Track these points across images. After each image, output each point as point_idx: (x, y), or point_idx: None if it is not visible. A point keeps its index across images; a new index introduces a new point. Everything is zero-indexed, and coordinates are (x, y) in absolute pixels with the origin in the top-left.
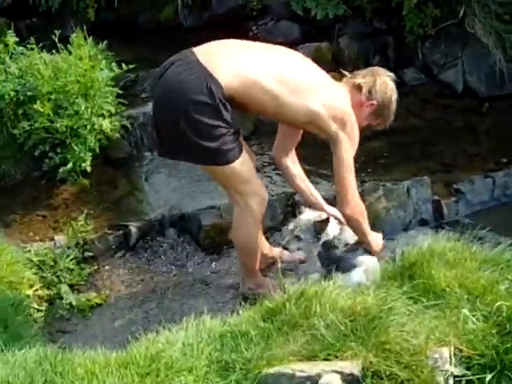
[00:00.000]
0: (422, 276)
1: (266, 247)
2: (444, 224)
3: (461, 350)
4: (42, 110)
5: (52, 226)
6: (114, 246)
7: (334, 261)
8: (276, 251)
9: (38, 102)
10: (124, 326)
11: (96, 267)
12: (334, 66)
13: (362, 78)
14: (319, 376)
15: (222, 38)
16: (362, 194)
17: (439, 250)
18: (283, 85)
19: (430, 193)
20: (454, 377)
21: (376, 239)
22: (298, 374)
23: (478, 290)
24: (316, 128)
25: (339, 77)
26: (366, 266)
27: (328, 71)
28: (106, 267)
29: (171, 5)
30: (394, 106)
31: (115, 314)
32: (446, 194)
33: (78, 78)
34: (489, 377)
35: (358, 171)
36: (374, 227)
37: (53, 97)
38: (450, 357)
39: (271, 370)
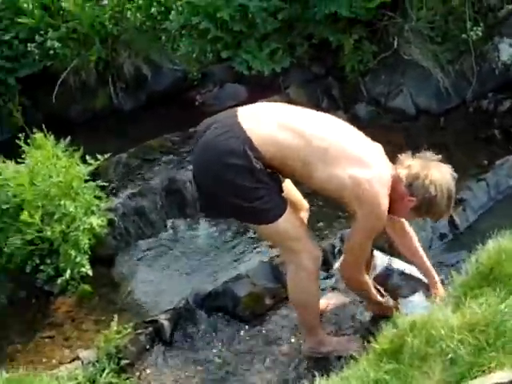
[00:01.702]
0: (507, 274)
1: None
2: (460, 233)
3: None
4: (31, 220)
5: (65, 345)
6: (148, 346)
7: (391, 290)
8: (322, 302)
9: (24, 213)
10: None
11: (138, 373)
12: None
13: (408, 168)
14: None
15: (167, 115)
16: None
17: (509, 248)
18: (318, 153)
19: None
20: None
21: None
22: None
23: None
24: (341, 201)
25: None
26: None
27: None
28: (148, 370)
29: (102, 91)
30: (442, 203)
31: None
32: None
33: (58, 179)
34: None
35: None
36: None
37: (39, 203)
38: None
39: None
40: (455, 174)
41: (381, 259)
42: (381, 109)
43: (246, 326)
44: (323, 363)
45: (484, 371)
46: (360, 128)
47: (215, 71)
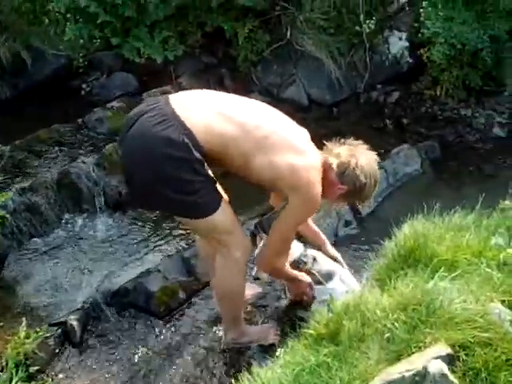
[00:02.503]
0: (427, 256)
1: None
2: (363, 219)
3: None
4: None
5: None
6: (57, 350)
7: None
8: None
9: None
10: None
11: (50, 380)
12: None
13: (337, 157)
14: (425, 368)
15: (50, 105)
16: None
17: (425, 231)
18: (253, 141)
19: None
20: None
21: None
22: (407, 374)
23: (477, 250)
24: (275, 188)
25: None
26: (341, 275)
27: None
28: (61, 375)
29: None
30: (370, 190)
31: None
32: None
33: None
34: None
35: None
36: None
37: None
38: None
39: (377, 383)
40: (378, 159)
41: (296, 247)
42: (274, 99)
43: (161, 322)
44: (246, 354)
45: (420, 347)
46: None
47: (103, 58)
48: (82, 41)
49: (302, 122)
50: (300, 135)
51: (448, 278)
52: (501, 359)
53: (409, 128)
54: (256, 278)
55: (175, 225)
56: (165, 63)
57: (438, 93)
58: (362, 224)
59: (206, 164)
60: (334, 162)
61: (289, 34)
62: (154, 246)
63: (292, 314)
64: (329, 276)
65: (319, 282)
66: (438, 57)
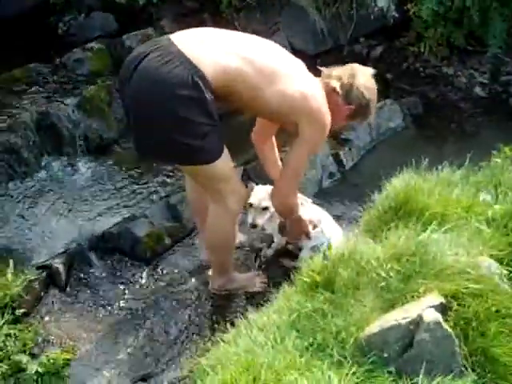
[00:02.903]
0: (418, 209)
1: None
2: (347, 171)
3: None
4: None
5: None
6: (43, 293)
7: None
8: None
9: None
10: (117, 367)
11: (36, 322)
12: None
13: (339, 79)
14: (420, 316)
15: (25, 43)
16: None
17: (417, 185)
18: (261, 73)
19: (327, 147)
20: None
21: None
22: (403, 321)
23: (466, 205)
24: (286, 118)
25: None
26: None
27: None
28: (47, 318)
29: None
30: (373, 105)
31: (97, 362)
32: (337, 146)
33: None
34: None
35: None
36: None
37: None
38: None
39: (374, 330)
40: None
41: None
42: None
43: (146, 268)
44: (234, 300)
45: (413, 297)
46: None
47: None
48: None
49: None
50: (300, 66)
51: (439, 231)
52: (491, 310)
53: (392, 84)
54: (253, 226)
55: (159, 171)
56: (145, 5)
57: (422, 49)
58: (346, 176)
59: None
60: (337, 85)
61: None
62: (137, 192)
63: (278, 263)
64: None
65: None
66: (426, 13)
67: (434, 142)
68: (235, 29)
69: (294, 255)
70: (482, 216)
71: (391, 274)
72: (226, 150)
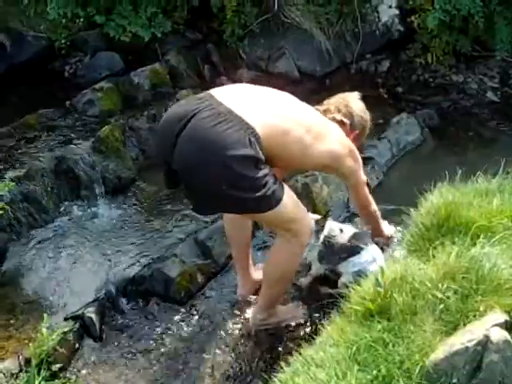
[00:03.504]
0: (462, 223)
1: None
2: (373, 190)
3: None
4: None
5: None
6: (78, 345)
7: (339, 252)
8: (259, 272)
9: None
10: None
11: (74, 377)
12: (172, 83)
13: (338, 111)
14: (487, 337)
15: (33, 89)
16: (307, 186)
17: (456, 199)
18: (309, 132)
19: None
20: None
21: (387, 228)
22: (470, 344)
23: (510, 215)
24: (332, 169)
25: None
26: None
27: None
28: (84, 371)
29: None
30: (369, 123)
31: None
32: None
33: None
34: None
35: None
36: (325, 215)
37: None
38: None
39: (441, 356)
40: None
41: (331, 223)
42: (263, 73)
43: (182, 309)
44: (277, 335)
45: (474, 316)
46: None
47: (86, 38)
48: (64, 20)
49: (294, 95)
50: (320, 115)
51: (488, 244)
52: None
53: (403, 96)
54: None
55: (181, 207)
56: (149, 41)
57: (429, 60)
58: (372, 195)
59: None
60: (342, 117)
61: (276, 5)
62: (163, 231)
63: (316, 291)
64: (357, 248)
65: (349, 255)
66: (433, 23)
67: (455, 152)
68: (240, 57)
69: (332, 283)
70: None
71: (448, 294)
72: (287, 189)
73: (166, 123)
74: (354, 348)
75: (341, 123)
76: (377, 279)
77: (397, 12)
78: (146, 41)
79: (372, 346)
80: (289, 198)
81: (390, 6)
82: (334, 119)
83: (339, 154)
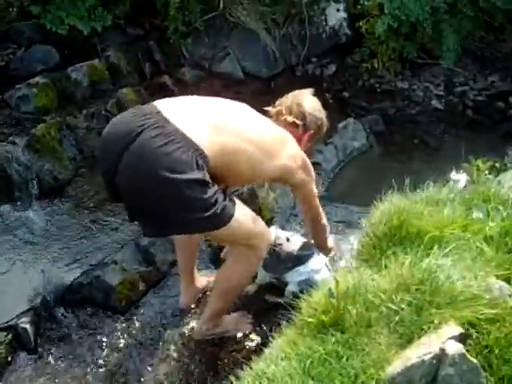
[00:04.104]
0: (414, 233)
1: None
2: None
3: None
4: None
5: None
6: (9, 358)
7: (285, 261)
8: (203, 280)
9: None
10: None
11: None
12: (111, 80)
13: (290, 113)
14: (443, 350)
15: None
16: (253, 192)
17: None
18: (260, 149)
19: None
20: None
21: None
22: (426, 358)
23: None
24: (283, 181)
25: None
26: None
27: None
28: None
29: None
30: (326, 123)
31: None
32: None
33: None
34: None
35: None
36: (270, 221)
37: None
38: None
39: (397, 369)
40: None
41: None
42: (206, 73)
43: (122, 318)
44: (222, 346)
45: (429, 328)
46: (188, 93)
47: (20, 29)
48: None
49: (238, 95)
50: (272, 125)
51: (441, 254)
52: None
53: (349, 101)
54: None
55: (121, 210)
56: (88, 35)
57: (376, 65)
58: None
59: None
60: (295, 119)
61: (222, 4)
62: (102, 235)
63: (262, 300)
64: (304, 257)
65: (295, 264)
66: (382, 28)
67: (400, 160)
68: (183, 56)
69: (278, 291)
70: (480, 235)
71: (402, 306)
72: (238, 202)
73: (110, 137)
74: (308, 362)
75: (293, 125)
76: (330, 290)
77: (345, 16)
78: (85, 35)
79: (326, 360)
80: (242, 213)
81: (338, 10)
82: (285, 122)
83: (291, 168)
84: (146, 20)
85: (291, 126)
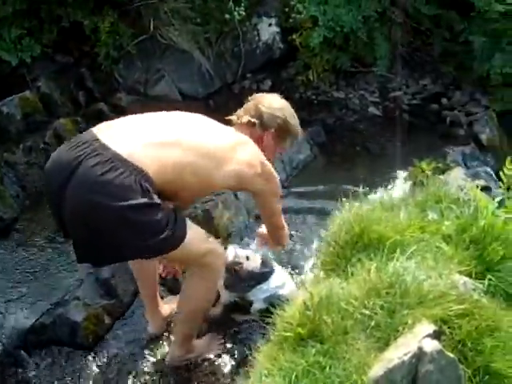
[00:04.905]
0: (375, 239)
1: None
2: None
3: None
4: None
5: None
6: None
7: (246, 279)
8: (166, 308)
9: None
10: None
11: None
12: (45, 111)
13: (249, 114)
14: (420, 349)
15: None
16: (208, 212)
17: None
18: (209, 159)
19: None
20: None
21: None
22: (406, 358)
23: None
24: (240, 189)
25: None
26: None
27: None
28: None
29: None
30: (292, 121)
31: None
32: None
33: None
34: None
35: None
36: (227, 240)
37: None
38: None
39: (379, 373)
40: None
41: (229, 250)
42: (142, 96)
43: (92, 354)
44: (197, 370)
45: (404, 329)
46: None
47: None
48: None
49: None
50: (223, 132)
51: (404, 257)
52: (481, 327)
53: None
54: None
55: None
56: (16, 66)
57: (311, 77)
58: None
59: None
60: (250, 118)
61: (152, 26)
62: (57, 272)
63: (230, 320)
64: (265, 274)
65: (257, 282)
66: (318, 40)
67: (344, 168)
68: (116, 81)
69: (243, 309)
70: (438, 234)
71: (375, 310)
72: (188, 221)
73: (52, 172)
74: (293, 376)
75: (250, 124)
76: (305, 303)
77: (277, 30)
78: (14, 65)
79: (309, 371)
80: (194, 233)
81: (270, 25)
82: (242, 124)
83: (246, 175)
84: (74, 47)
85: (249, 127)
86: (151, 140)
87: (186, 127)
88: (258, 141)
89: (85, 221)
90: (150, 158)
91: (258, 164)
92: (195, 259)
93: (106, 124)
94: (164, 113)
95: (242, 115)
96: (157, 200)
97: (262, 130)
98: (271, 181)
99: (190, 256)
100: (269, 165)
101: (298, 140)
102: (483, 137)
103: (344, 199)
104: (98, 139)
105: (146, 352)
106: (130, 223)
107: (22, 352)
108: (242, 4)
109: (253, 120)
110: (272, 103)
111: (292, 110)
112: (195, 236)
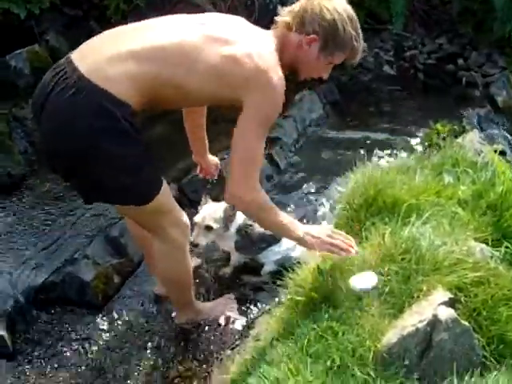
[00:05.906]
0: (390, 202)
1: None
2: (282, 171)
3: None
4: None
5: None
6: None
7: (257, 242)
8: None
9: None
10: None
11: None
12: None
13: (289, 14)
14: (435, 316)
15: None
16: None
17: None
18: (179, 64)
19: None
20: None
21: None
22: (420, 325)
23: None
24: (229, 98)
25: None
26: None
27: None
28: None
29: None
30: (348, 28)
31: None
32: (268, 146)
33: None
34: None
35: None
36: None
37: None
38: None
39: (393, 339)
40: None
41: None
42: None
43: (101, 314)
44: (207, 331)
45: (419, 296)
46: None
47: None
48: None
49: None
50: (228, 26)
51: (419, 222)
52: (498, 296)
53: None
54: (194, 245)
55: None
56: (24, 19)
57: None
58: (283, 177)
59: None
60: (287, 20)
61: None
62: (67, 230)
63: (239, 281)
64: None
65: (268, 244)
66: None
67: (357, 128)
68: None
69: (254, 271)
70: (454, 199)
71: (389, 276)
72: (164, 181)
73: (34, 97)
74: (305, 340)
75: (286, 29)
76: (319, 267)
77: None
78: (22, 18)
79: (322, 337)
80: (165, 193)
81: None
82: (278, 28)
83: (220, 70)
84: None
85: (287, 32)
86: (123, 53)
87: (161, 32)
88: (296, 49)
89: (56, 153)
90: (120, 74)
91: (251, 62)
92: (160, 226)
93: (85, 44)
94: (142, 22)
95: (284, 16)
96: (121, 121)
97: (300, 33)
98: (266, 94)
99: (149, 215)
100: (278, 81)
101: (356, 60)
102: (499, 99)
103: (357, 161)
104: (71, 61)
105: (155, 312)
106: (95, 148)
107: (33, 309)
108: None
109: (292, 23)
110: (323, 3)
111: (349, 12)
112: (165, 197)
